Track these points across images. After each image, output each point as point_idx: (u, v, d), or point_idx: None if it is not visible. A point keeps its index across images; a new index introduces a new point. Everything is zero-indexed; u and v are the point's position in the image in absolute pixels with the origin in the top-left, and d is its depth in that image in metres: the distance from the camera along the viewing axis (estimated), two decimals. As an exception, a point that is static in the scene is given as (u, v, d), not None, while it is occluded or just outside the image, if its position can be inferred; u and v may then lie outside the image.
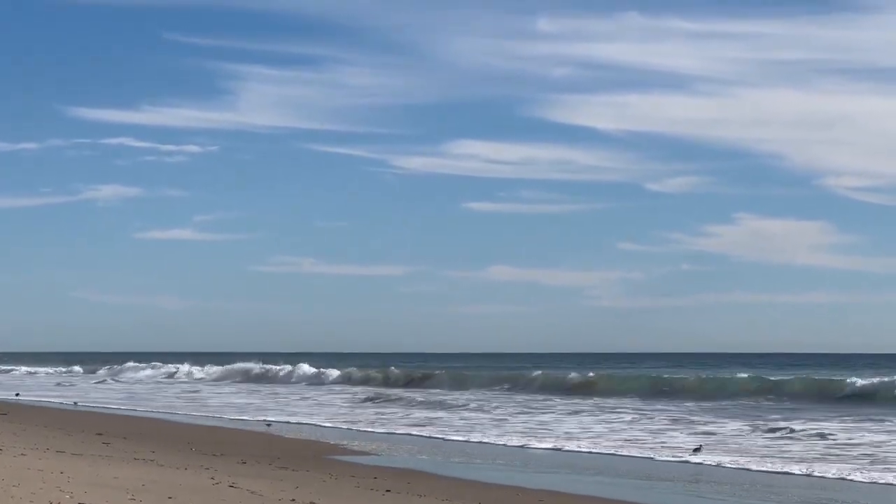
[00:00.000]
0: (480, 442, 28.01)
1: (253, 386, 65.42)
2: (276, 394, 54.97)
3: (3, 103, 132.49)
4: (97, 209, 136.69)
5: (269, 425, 32.86)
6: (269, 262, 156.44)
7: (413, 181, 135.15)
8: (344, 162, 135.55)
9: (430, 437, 29.31)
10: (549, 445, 26.93)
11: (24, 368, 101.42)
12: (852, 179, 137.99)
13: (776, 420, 33.46)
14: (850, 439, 27.68)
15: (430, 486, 18.67)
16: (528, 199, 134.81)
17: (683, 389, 51.24)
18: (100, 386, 68.15)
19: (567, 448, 26.37)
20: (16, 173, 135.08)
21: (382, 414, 38.84)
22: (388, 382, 64.25)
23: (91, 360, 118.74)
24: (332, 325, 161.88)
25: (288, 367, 73.98)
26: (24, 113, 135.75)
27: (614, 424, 33.57)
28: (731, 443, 27.34)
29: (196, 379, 78.72)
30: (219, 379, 76.96)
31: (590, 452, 25.44)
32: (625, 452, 25.32)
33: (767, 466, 22.36)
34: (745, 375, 56.98)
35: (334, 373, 71.47)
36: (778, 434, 29.34)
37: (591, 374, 59.81)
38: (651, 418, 35.16)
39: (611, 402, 45.14)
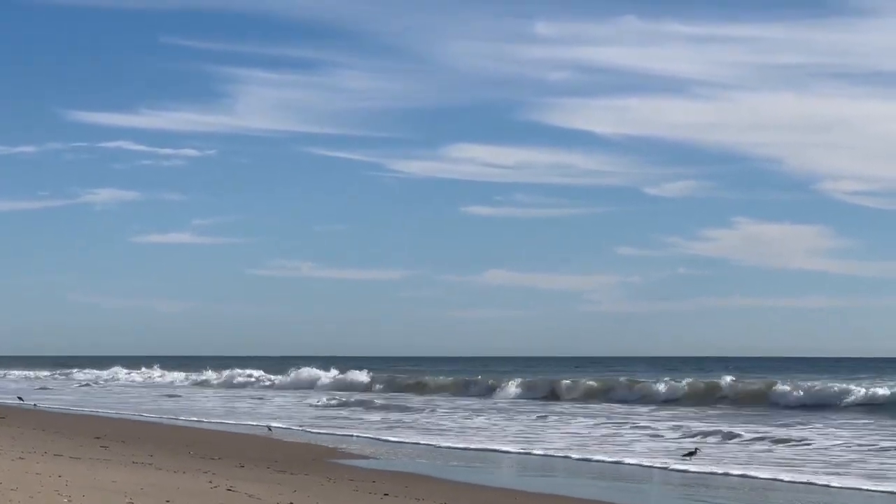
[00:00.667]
0: (480, 449, 28.02)
1: (235, 391, 64.98)
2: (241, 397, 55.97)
3: (2, 106, 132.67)
4: (95, 213, 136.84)
5: (270, 430, 32.81)
6: (267, 265, 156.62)
7: (411, 185, 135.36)
8: (342, 166, 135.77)
9: (400, 441, 29.34)
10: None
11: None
12: (850, 183, 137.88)
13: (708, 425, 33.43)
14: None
15: (429, 490, 18.66)
16: (526, 203, 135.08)
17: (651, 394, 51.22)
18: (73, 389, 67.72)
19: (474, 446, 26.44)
20: (14, 176, 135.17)
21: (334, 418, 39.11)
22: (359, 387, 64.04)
23: (88, 363, 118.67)
24: (330, 328, 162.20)
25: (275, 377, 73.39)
26: (22, 116, 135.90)
27: (538, 426, 34.36)
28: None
29: (171, 383, 78.92)
30: (198, 383, 76.82)
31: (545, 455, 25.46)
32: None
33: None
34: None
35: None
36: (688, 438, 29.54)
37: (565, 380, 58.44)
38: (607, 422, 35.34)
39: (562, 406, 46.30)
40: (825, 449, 26.69)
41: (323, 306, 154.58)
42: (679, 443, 28.26)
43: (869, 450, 26.32)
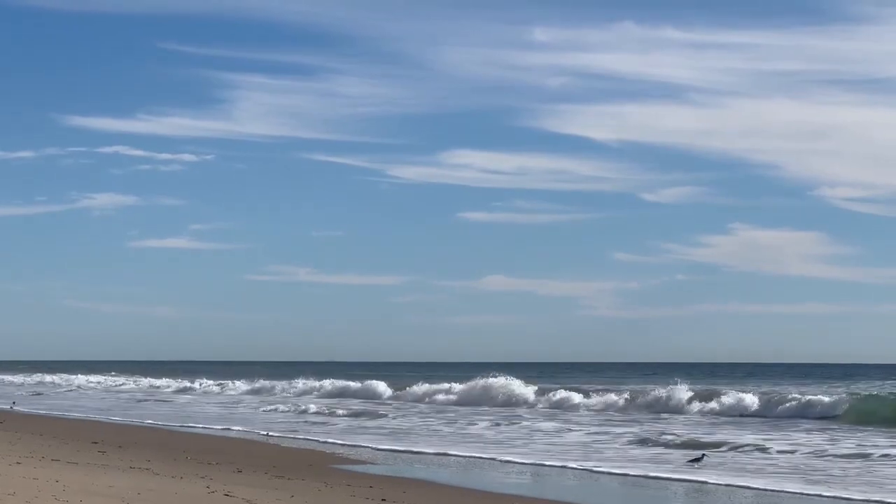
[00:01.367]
0: (480, 457, 28.02)
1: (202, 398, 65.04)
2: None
3: (0, 111, 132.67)
4: (93, 217, 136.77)
5: (268, 435, 32.80)
6: (265, 271, 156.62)
7: (409, 191, 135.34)
8: (340, 171, 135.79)
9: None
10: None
11: None
12: (847, 190, 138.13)
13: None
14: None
15: (427, 495, 18.67)
16: (524, 209, 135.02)
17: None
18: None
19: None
20: (11, 181, 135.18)
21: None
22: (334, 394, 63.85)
23: (85, 368, 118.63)
24: (327, 334, 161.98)
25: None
26: (19, 121, 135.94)
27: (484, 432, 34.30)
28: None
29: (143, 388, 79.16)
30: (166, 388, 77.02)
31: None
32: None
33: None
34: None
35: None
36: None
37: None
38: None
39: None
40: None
41: (321, 312, 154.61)
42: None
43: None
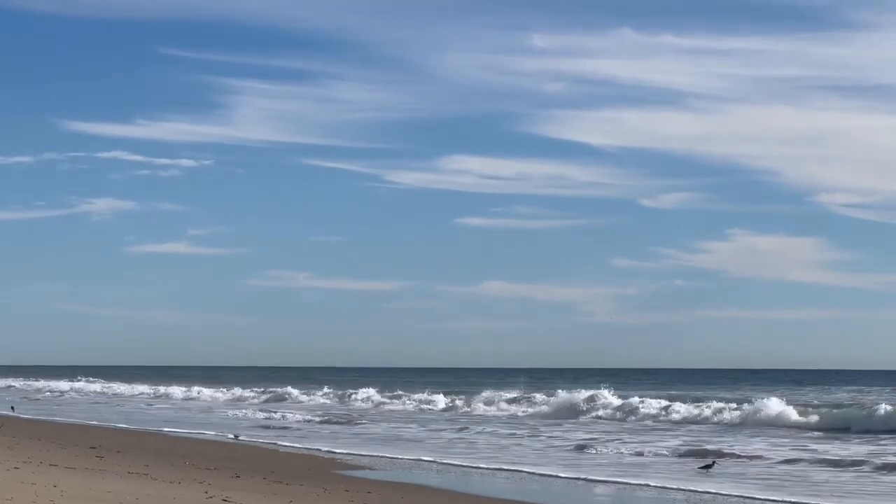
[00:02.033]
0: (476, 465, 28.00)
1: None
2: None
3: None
4: (91, 222, 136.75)
5: (236, 437, 33.48)
6: (263, 276, 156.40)
7: (407, 196, 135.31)
8: (338, 176, 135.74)
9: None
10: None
11: None
12: (845, 196, 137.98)
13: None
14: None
15: (425, 500, 18.66)
16: (522, 215, 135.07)
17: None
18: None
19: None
20: (10, 186, 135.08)
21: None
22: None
23: (83, 373, 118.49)
24: (325, 339, 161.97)
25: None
26: (18, 126, 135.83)
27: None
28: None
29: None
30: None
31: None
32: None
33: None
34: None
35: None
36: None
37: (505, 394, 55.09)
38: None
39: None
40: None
41: (319, 317, 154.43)
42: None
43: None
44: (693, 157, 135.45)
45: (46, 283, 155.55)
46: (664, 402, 46.07)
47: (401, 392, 61.29)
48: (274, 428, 38.99)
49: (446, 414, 49.66)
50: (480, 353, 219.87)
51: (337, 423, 42.39)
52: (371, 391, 60.50)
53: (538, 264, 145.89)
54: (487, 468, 24.93)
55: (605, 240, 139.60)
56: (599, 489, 21.78)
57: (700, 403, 45.91)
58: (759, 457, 27.78)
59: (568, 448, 30.59)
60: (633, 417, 44.11)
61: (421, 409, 52.96)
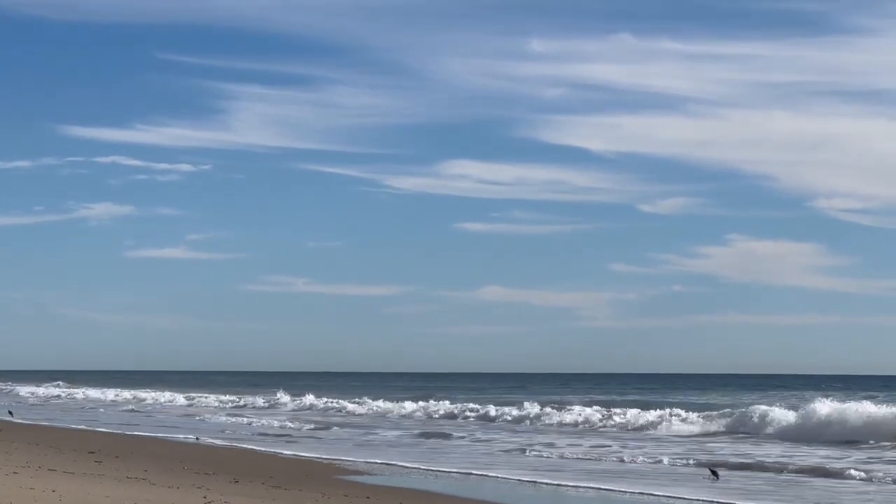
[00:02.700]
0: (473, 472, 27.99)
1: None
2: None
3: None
4: (90, 227, 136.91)
5: (197, 439, 34.15)
6: (261, 281, 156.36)
7: (406, 201, 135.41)
8: (337, 182, 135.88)
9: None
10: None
11: None
12: (843, 201, 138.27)
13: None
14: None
15: (424, 506, 18.67)
16: (521, 220, 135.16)
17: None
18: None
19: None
20: (9, 191, 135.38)
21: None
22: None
23: (81, 378, 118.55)
24: (324, 344, 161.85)
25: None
26: (17, 131, 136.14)
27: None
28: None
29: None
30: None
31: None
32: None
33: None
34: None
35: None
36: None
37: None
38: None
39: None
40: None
41: (317, 322, 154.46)
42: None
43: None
44: (692, 163, 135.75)
45: (44, 287, 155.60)
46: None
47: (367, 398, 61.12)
48: (233, 432, 39.05)
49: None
50: (479, 359, 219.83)
51: (324, 429, 42.44)
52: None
53: (537, 269, 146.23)
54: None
55: (604, 245, 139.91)
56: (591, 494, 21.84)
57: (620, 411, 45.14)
58: None
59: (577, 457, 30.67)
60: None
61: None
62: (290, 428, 42.18)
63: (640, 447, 32.45)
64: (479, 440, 35.79)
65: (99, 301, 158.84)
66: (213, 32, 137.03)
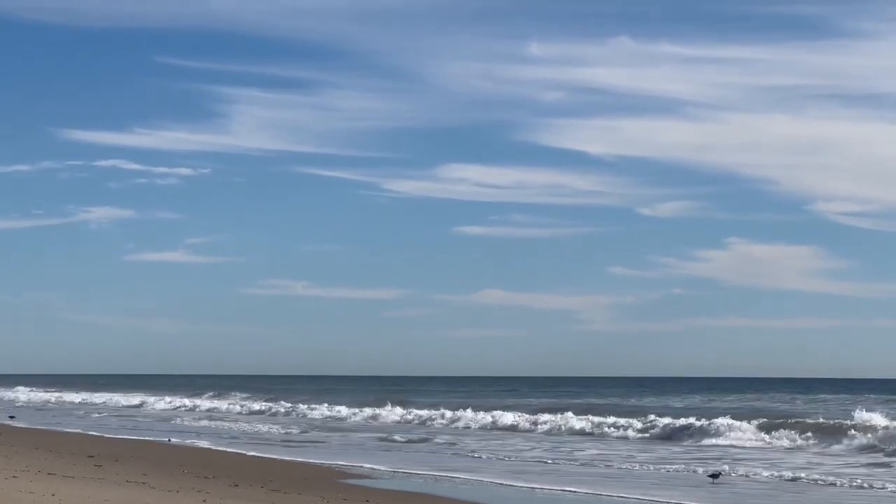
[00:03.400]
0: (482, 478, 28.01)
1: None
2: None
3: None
4: (89, 231, 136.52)
5: (169, 441, 34.67)
6: (260, 284, 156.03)
7: (405, 205, 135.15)
8: (336, 185, 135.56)
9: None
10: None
11: None
12: (843, 204, 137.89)
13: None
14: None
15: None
16: (520, 223, 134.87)
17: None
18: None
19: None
20: (8, 195, 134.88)
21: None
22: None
23: (80, 382, 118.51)
24: (323, 348, 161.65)
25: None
26: (17, 135, 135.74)
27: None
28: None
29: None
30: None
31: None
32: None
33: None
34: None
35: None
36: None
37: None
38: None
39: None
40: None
41: (316, 326, 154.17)
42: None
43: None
44: (691, 166, 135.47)
45: (44, 291, 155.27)
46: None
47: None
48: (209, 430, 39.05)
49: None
50: (478, 362, 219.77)
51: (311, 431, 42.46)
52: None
53: (536, 273, 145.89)
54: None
55: (603, 248, 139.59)
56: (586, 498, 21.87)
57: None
58: None
59: (575, 462, 30.70)
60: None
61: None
62: (289, 433, 42.24)
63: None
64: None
65: (98, 305, 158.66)
66: (212, 36, 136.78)
